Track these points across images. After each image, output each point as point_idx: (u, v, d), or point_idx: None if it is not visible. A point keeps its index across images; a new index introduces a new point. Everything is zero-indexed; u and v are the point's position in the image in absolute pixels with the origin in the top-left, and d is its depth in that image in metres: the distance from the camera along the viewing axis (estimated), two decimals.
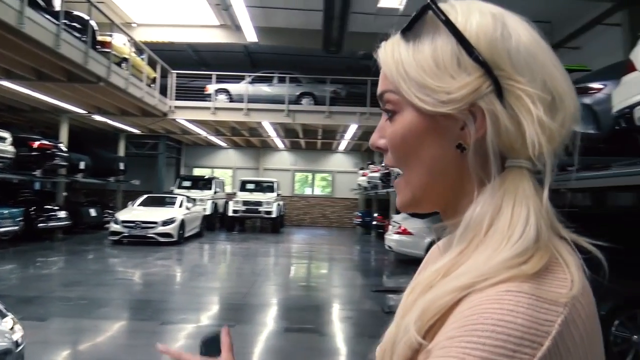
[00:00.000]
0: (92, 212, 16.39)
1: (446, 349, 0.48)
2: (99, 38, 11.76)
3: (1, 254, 10.92)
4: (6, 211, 11.27)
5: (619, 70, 4.66)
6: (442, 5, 0.58)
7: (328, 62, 18.77)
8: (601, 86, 4.98)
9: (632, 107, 3.76)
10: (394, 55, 0.60)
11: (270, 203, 19.26)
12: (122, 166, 18.01)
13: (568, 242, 0.55)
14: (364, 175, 19.59)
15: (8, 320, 3.04)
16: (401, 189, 0.64)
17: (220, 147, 24.91)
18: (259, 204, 19.16)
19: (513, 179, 0.55)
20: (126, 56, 13.25)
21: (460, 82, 0.55)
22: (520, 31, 0.57)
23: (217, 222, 20.09)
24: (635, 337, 4.66)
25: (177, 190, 18.67)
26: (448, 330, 0.50)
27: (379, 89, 0.63)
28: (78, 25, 10.56)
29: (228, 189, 23.41)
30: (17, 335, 2.99)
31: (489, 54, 0.55)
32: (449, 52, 0.56)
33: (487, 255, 0.52)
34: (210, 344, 0.84)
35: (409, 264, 11.78)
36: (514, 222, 0.53)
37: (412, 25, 0.60)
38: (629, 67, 4.04)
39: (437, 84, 0.56)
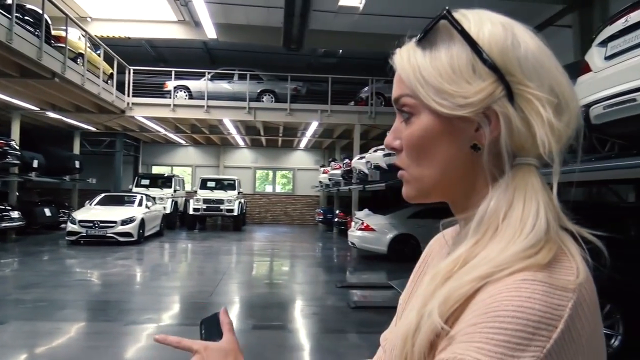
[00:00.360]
0: (47, 211, 15.87)
1: (470, 335, 0.52)
2: (53, 32, 11.39)
3: None
4: None
5: (573, 70, 4.88)
6: (455, 15, 0.62)
7: (288, 59, 18.78)
8: None
9: (587, 107, 3.94)
10: (410, 62, 0.64)
11: (231, 201, 19.13)
12: (77, 164, 17.52)
13: (572, 233, 0.61)
14: (325, 173, 19.69)
15: None
16: (409, 182, 0.68)
17: (179, 145, 24.54)
18: (220, 202, 19.01)
19: (523, 175, 0.60)
20: (82, 51, 12.88)
21: (476, 87, 0.60)
22: (527, 40, 0.62)
23: (178, 221, 19.80)
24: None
25: (135, 189, 18.32)
26: (470, 317, 0.54)
27: (395, 93, 0.67)
28: (31, 19, 10.20)
29: (188, 187, 23.11)
30: None
31: (501, 61, 0.60)
32: (465, 60, 0.61)
33: (502, 246, 0.57)
34: (209, 326, 0.83)
35: (372, 259, 11.97)
36: (525, 215, 0.58)
37: (427, 34, 0.64)
38: (584, 68, 4.24)
39: (454, 88, 0.61)
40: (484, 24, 0.62)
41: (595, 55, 4.12)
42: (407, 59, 0.65)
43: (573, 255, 0.57)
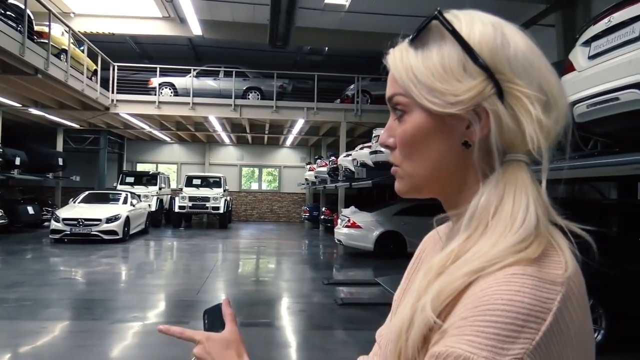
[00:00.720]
0: (30, 210, 15.67)
1: (461, 328, 0.54)
2: (36, 28, 11.22)
3: None
4: None
5: (556, 69, 4.96)
6: (446, 16, 0.64)
7: (274, 57, 18.74)
8: None
9: (571, 105, 4.01)
10: (403, 61, 0.66)
11: (217, 198, 19.06)
12: (60, 162, 17.29)
13: (561, 228, 0.62)
14: (311, 170, 19.69)
15: None
16: (402, 177, 0.69)
17: (164, 142, 24.36)
18: (206, 199, 18.93)
19: (513, 171, 0.61)
20: (65, 47, 12.71)
21: (466, 85, 0.61)
22: (517, 39, 0.63)
23: (163, 219, 19.67)
24: None
25: (120, 187, 18.15)
26: (461, 311, 0.55)
27: (389, 92, 0.68)
28: (13, 15, 10.04)
29: (173, 184, 22.97)
30: None
31: (491, 60, 0.61)
32: (456, 59, 0.62)
33: (493, 241, 0.58)
34: (212, 316, 0.84)
35: (358, 256, 12.02)
36: (515, 209, 0.59)
37: (419, 34, 0.65)
38: (568, 67, 4.31)
39: (446, 87, 0.62)
40: (475, 24, 0.63)
41: (579, 55, 4.18)
42: (400, 59, 0.66)
43: (562, 250, 0.59)
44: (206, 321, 0.84)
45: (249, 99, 17.16)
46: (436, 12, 0.64)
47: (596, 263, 0.69)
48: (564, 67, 4.44)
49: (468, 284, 0.57)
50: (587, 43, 4.07)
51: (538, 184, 0.62)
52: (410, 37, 0.66)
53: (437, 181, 0.67)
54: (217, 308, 0.85)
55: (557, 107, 0.63)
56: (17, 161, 14.32)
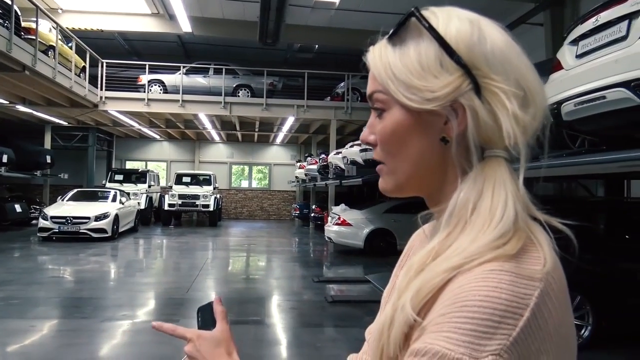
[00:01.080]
0: (18, 207, 15.54)
1: (439, 325, 0.54)
2: (23, 24, 11.12)
3: None
4: None
5: (545, 68, 5.00)
6: (424, 13, 0.64)
7: (264, 54, 18.70)
8: None
9: (559, 103, 4.04)
10: (382, 59, 0.66)
11: (207, 196, 18.99)
12: (48, 159, 17.13)
13: (541, 223, 0.62)
14: (301, 168, 19.68)
15: None
16: (385, 176, 0.69)
17: (154, 140, 24.22)
18: (196, 197, 18.86)
19: (491, 167, 0.61)
20: (53, 44, 12.59)
21: (443, 81, 0.62)
22: (495, 35, 0.63)
23: (152, 217, 19.58)
24: None
25: (109, 184, 18.03)
26: (440, 308, 0.56)
27: (369, 90, 0.69)
28: (0, 11, 9.95)
29: (163, 182, 22.86)
30: None
31: (467, 56, 0.61)
32: (433, 55, 0.62)
33: (473, 237, 0.58)
34: (204, 314, 0.85)
35: (349, 254, 12.05)
36: (494, 205, 0.59)
37: (397, 31, 0.66)
38: (555, 66, 4.35)
39: (423, 83, 0.62)
40: (452, 21, 0.63)
41: (566, 54, 4.22)
42: (379, 56, 0.67)
43: (541, 245, 0.59)
44: (199, 319, 0.84)
45: (239, 96, 17.12)
46: (413, 9, 0.64)
47: (576, 258, 0.69)
48: (552, 65, 4.48)
49: (447, 280, 0.57)
50: (575, 42, 4.11)
51: (517, 180, 0.61)
52: (389, 34, 0.67)
53: (419, 178, 0.67)
54: (210, 306, 0.85)
55: (534, 103, 0.63)
56: (5, 159, 14.17)
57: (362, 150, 11.10)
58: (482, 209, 0.60)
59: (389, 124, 0.66)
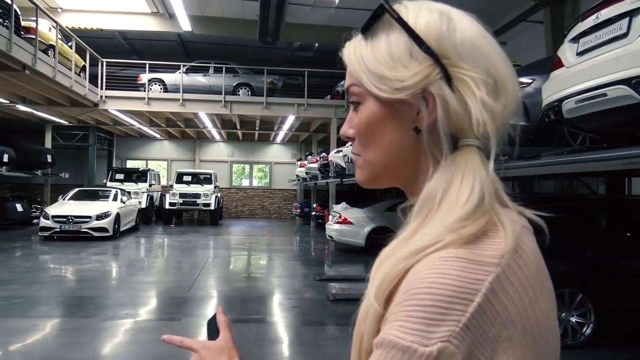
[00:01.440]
0: (19, 207, 15.55)
1: (395, 314, 0.55)
2: (23, 23, 11.12)
3: None
4: None
5: (545, 65, 5.00)
6: (395, 6, 0.65)
7: (264, 53, 18.70)
8: (529, 80, 5.33)
9: (560, 101, 4.05)
10: (355, 53, 0.68)
11: (208, 195, 19.00)
12: (49, 159, 17.15)
13: (514, 212, 0.63)
14: (302, 167, 19.68)
15: None
16: (361, 167, 0.70)
17: (154, 139, 24.23)
18: (197, 196, 18.87)
19: (463, 155, 0.62)
20: (52, 43, 12.60)
21: (412, 70, 0.62)
22: (465, 25, 0.64)
23: (153, 216, 19.59)
24: (564, 314, 5.05)
25: (109, 184, 18.06)
26: (397, 296, 0.57)
27: (346, 84, 0.70)
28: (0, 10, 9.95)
29: (164, 181, 22.87)
30: None
31: (436, 45, 0.62)
32: (402, 46, 0.64)
33: (438, 221, 0.59)
34: (211, 326, 0.88)
35: (350, 252, 12.06)
36: (462, 191, 0.60)
37: (370, 25, 0.67)
38: (556, 63, 4.35)
39: (393, 73, 0.63)
40: (421, 12, 0.65)
41: (567, 51, 4.22)
42: (353, 51, 0.68)
43: (505, 230, 0.58)
44: (208, 331, 0.88)
45: (239, 95, 17.12)
46: (382, 2, 0.65)
47: (546, 247, 0.68)
48: (552, 63, 4.48)
49: (408, 268, 0.58)
50: (576, 39, 4.11)
51: (488, 167, 0.62)
52: (361, 28, 0.68)
53: (394, 169, 0.68)
54: (214, 318, 0.89)
55: (505, 91, 0.63)
56: (5, 158, 14.19)
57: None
58: (450, 195, 0.60)
59: (363, 116, 0.67)
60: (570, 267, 5.05)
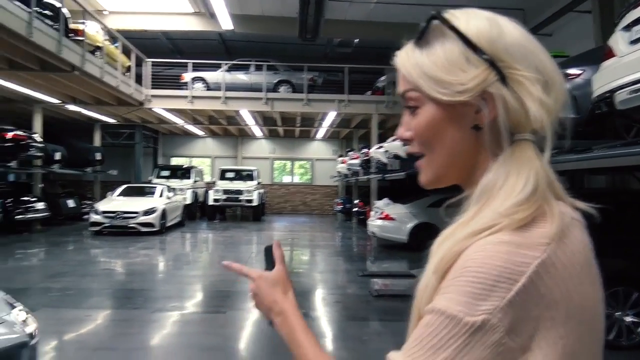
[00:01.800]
0: (70, 203, 16.18)
1: (447, 288, 0.62)
2: (72, 26, 11.52)
3: None
4: None
5: (596, 56, 4.82)
6: (445, 16, 0.71)
7: (304, 49, 18.74)
8: (579, 72, 5.15)
9: (612, 92, 3.90)
10: (410, 60, 0.72)
11: (251, 191, 19.22)
12: (98, 156, 17.77)
13: (567, 205, 0.68)
14: (343, 163, 19.67)
15: (20, 312, 3.01)
16: (424, 169, 0.75)
17: (197, 136, 24.70)
18: (240, 192, 19.11)
19: (520, 149, 0.67)
20: (99, 44, 13.02)
21: (471, 74, 0.67)
22: (511, 29, 0.70)
23: (198, 212, 19.99)
24: (618, 313, 4.87)
25: (155, 180, 18.52)
26: (451, 273, 0.63)
27: (400, 89, 0.75)
28: (50, 13, 10.31)
29: (207, 178, 23.29)
30: (31, 328, 2.95)
31: (489, 49, 0.67)
32: (457, 52, 0.68)
33: (494, 207, 0.65)
34: (268, 255, 0.96)
35: (392, 248, 11.99)
36: (519, 182, 0.65)
37: (422, 35, 0.72)
38: (607, 53, 4.19)
39: (452, 78, 0.68)
40: (471, 20, 0.70)
41: (619, 40, 4.06)
42: (407, 58, 0.73)
43: (554, 218, 0.64)
44: (265, 258, 0.96)
45: (280, 92, 17.23)
46: (434, 13, 0.71)
47: (599, 243, 0.71)
48: (603, 53, 4.33)
49: (464, 249, 0.63)
50: (628, 27, 3.95)
51: (543, 159, 0.67)
52: (415, 38, 0.73)
53: (455, 167, 0.73)
54: (271, 248, 0.96)
55: (554, 86, 0.69)
56: (58, 156, 14.78)
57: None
58: (507, 185, 0.66)
59: (423, 119, 0.72)
60: (625, 264, 4.88)
